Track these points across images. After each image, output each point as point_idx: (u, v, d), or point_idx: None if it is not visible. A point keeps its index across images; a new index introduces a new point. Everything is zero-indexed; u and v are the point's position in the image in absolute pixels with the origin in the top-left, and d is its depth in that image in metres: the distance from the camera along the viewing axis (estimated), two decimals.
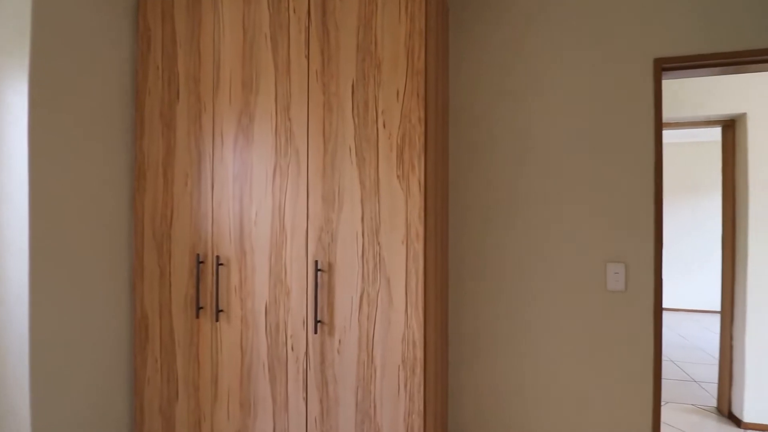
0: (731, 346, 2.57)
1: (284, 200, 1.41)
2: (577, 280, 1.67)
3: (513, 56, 1.75)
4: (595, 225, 1.66)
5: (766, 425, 2.37)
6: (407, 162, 1.28)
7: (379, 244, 1.30)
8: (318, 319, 1.36)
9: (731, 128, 2.56)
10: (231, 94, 1.47)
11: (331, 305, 1.36)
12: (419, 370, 1.26)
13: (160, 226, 1.56)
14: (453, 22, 1.85)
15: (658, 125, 1.59)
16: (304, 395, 1.38)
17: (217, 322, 1.48)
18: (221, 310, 1.47)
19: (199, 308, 1.48)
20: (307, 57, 1.39)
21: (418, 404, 1.26)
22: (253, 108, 1.45)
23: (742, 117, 2.46)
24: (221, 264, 1.48)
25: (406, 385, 1.28)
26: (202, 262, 1.50)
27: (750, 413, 2.41)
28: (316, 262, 1.35)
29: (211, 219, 1.49)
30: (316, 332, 1.35)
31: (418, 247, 1.26)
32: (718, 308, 5.60)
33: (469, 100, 1.81)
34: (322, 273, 1.37)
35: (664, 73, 1.60)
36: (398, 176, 1.29)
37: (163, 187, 1.56)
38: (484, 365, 1.77)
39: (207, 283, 1.49)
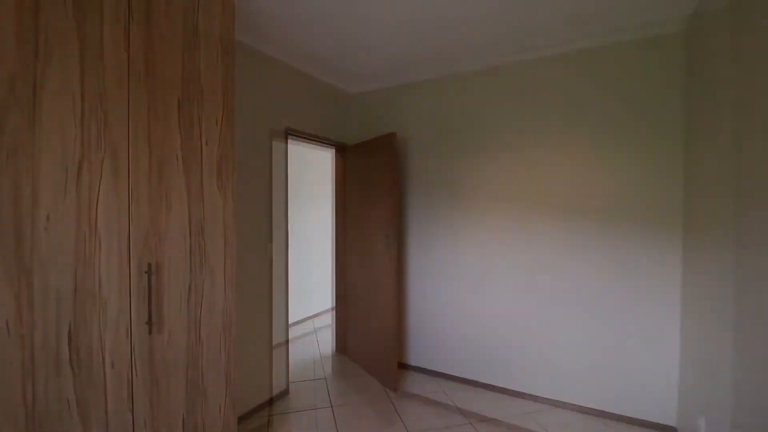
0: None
1: (96, 201, 1.25)
2: (259, 254, 2.57)
3: None
4: (265, 223, 2.62)
5: (299, 320, 4.32)
6: (225, 176, 1.66)
7: (204, 240, 1.58)
8: (151, 320, 1.38)
9: None
10: None
11: (159, 304, 1.42)
12: (234, 329, 1.71)
13: None
14: None
15: (287, 163, 2.82)
16: (130, 405, 1.33)
17: None
18: None
19: None
20: (128, 51, 1.32)
21: (234, 355, 1.71)
22: (40, 76, 1.12)
23: None
24: None
25: (225, 345, 1.67)
26: None
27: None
28: (150, 264, 1.37)
29: None
30: (150, 333, 1.37)
31: (232, 239, 1.70)
32: None
33: None
34: (150, 274, 1.39)
35: (289, 136, 2.86)
36: (218, 186, 1.63)
37: None
38: None
39: None
